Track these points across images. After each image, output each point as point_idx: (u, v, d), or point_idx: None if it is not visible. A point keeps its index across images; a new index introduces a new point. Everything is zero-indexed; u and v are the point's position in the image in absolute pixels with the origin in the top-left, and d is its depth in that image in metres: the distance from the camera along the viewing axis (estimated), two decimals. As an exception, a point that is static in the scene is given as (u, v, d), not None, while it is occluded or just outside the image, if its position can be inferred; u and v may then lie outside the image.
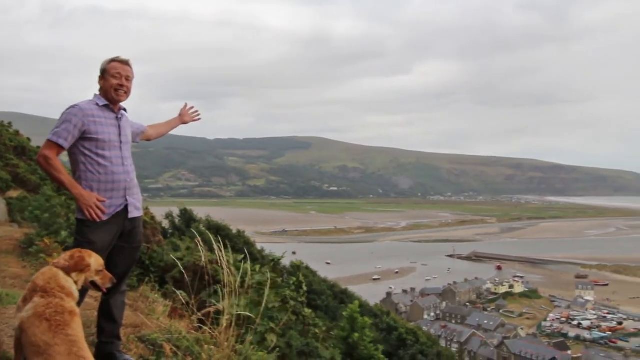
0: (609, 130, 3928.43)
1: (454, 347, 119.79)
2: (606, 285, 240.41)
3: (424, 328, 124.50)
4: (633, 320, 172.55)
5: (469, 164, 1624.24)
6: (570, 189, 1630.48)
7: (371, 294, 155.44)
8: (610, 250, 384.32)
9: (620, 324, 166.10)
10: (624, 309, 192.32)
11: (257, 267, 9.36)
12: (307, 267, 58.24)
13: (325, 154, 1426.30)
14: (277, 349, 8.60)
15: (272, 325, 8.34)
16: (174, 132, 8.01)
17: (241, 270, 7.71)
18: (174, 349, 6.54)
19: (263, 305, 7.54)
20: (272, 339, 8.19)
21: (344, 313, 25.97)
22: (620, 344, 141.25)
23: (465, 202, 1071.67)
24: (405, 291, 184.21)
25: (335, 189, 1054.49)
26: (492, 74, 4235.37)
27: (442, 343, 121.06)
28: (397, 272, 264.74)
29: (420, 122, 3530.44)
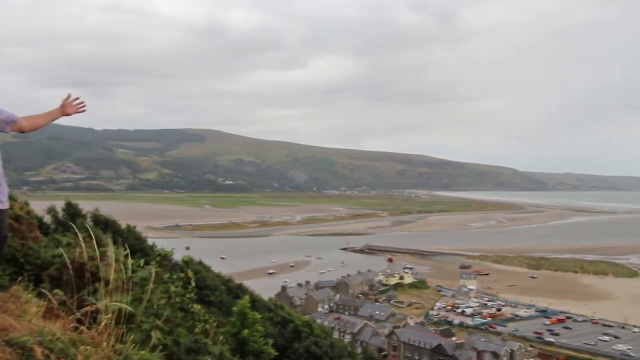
0: (491, 129, 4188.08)
1: (347, 338, 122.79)
2: (487, 274, 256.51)
3: (318, 320, 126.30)
4: (510, 306, 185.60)
5: (362, 159, 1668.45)
6: (457, 184, 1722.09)
7: (266, 288, 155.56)
8: (491, 242, 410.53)
9: (499, 310, 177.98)
10: (503, 296, 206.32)
11: (142, 263, 8.96)
12: (200, 262, 57.17)
13: (221, 147, 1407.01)
14: (164, 346, 8.28)
15: (157, 322, 8.02)
16: (57, 120, 7.34)
17: (125, 267, 7.35)
18: (46, 351, 6.08)
19: (144, 302, 7.21)
20: (157, 336, 7.87)
21: (234, 308, 25.68)
22: (499, 328, 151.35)
23: (359, 196, 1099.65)
24: (300, 284, 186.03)
25: (231, 182, 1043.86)
26: (385, 72, 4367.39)
27: (336, 334, 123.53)
28: (292, 266, 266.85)
29: (316, 117, 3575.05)
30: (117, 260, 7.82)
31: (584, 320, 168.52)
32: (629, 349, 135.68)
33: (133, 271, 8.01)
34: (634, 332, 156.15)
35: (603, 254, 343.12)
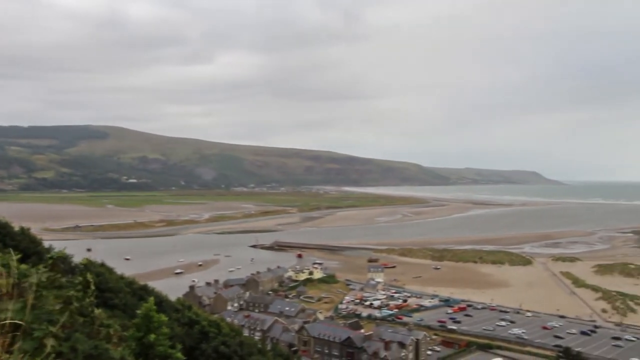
0: (396, 125, 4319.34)
1: (257, 335, 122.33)
2: (394, 267, 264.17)
3: (228, 319, 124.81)
4: (416, 297, 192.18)
5: (271, 155, 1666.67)
6: (364, 180, 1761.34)
7: (174, 288, 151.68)
8: (397, 235, 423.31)
9: (405, 301, 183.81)
10: (409, 287, 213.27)
11: (34, 267, 8.33)
12: (102, 264, 54.79)
13: (124, 144, 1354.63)
14: (59, 354, 7.74)
15: (51, 329, 7.48)
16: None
17: (11, 271, 6.79)
18: None
19: (32, 308, 6.71)
20: (51, 343, 7.34)
21: (139, 311, 24.71)
22: (405, 319, 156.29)
23: (268, 193, 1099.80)
24: (208, 283, 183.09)
25: (135, 181, 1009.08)
26: (292, 68, 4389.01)
27: (246, 332, 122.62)
28: (200, 265, 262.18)
29: (222, 113, 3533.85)
30: (4, 265, 7.23)
31: (483, 308, 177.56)
32: (523, 332, 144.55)
33: (24, 276, 7.44)
34: (528, 316, 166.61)
35: (500, 244, 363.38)
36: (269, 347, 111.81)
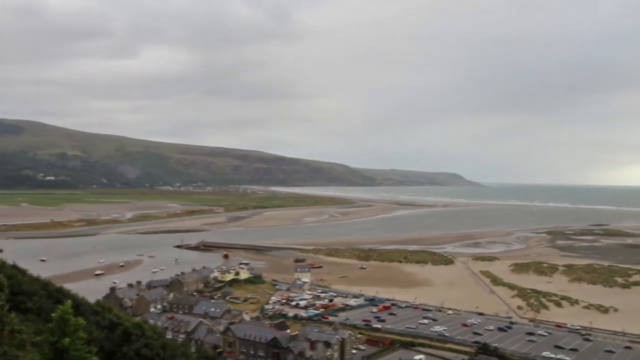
0: (325, 126, 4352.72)
1: (181, 337, 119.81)
2: (320, 267, 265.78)
3: (151, 321, 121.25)
4: (342, 296, 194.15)
5: (198, 154, 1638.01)
6: (292, 180, 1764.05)
7: (93, 291, 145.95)
8: (324, 235, 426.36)
9: (331, 301, 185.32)
10: (335, 287, 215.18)
11: None
12: (14, 266, 51.86)
13: (41, 140, 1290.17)
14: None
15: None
16: None
17: None
18: None
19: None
20: (-48, 353, 6.74)
21: (54, 315, 23.20)
22: (331, 318, 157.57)
23: (194, 192, 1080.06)
24: (130, 285, 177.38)
25: (53, 178, 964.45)
26: (221, 66, 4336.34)
27: (169, 334, 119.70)
28: (122, 266, 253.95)
29: (148, 110, 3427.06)
30: None
31: (407, 306, 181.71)
32: (444, 329, 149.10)
33: None
34: (449, 314, 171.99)
35: (424, 244, 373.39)
36: (193, 349, 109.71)
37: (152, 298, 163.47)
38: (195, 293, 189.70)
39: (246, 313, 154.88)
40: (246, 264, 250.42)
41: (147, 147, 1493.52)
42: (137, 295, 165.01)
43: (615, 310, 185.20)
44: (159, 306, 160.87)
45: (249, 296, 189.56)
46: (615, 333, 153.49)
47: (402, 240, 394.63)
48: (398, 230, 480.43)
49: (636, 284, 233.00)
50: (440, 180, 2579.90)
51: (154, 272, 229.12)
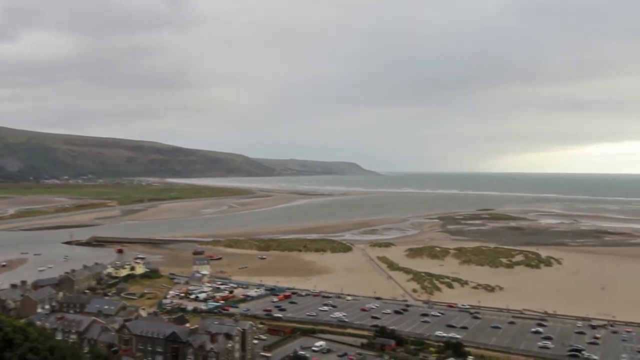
0: (222, 116, 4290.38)
1: (73, 338, 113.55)
2: (220, 258, 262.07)
3: (38, 323, 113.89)
4: (242, 287, 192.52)
5: (87, 145, 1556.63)
6: (189, 171, 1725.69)
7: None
8: (223, 226, 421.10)
9: (231, 292, 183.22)
10: (235, 278, 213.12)
11: None
12: None
13: None
14: None
15: None
16: None
17: None
18: None
19: None
20: None
21: None
22: (231, 310, 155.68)
23: (84, 186, 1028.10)
24: (14, 285, 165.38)
25: None
26: (111, 53, 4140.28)
27: (59, 336, 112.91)
28: (4, 265, 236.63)
29: (30, 98, 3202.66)
30: None
31: (307, 294, 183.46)
32: (344, 315, 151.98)
33: None
34: (348, 300, 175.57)
35: (323, 233, 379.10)
36: (86, 350, 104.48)
37: (39, 298, 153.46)
38: (87, 291, 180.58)
39: (143, 309, 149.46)
40: (142, 258, 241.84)
41: (30, 138, 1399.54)
42: (22, 296, 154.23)
43: (501, 288, 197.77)
44: (47, 306, 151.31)
45: (145, 291, 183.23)
46: (500, 310, 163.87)
47: (302, 230, 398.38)
48: (297, 220, 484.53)
49: (518, 263, 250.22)
50: (338, 170, 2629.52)
51: (41, 270, 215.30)
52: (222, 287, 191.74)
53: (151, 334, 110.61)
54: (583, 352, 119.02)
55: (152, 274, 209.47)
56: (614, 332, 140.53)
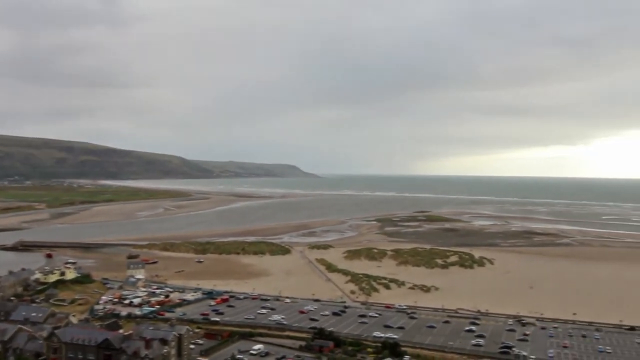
0: (159, 117, 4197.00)
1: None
2: (156, 262, 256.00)
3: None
4: (178, 291, 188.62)
5: (14, 145, 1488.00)
6: (124, 173, 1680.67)
7: None
8: (159, 229, 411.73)
9: (167, 296, 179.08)
10: (171, 282, 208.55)
11: None
12: None
13: None
14: None
15: None
16: None
17: None
18: None
19: None
20: None
21: None
22: (167, 315, 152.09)
23: (11, 187, 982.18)
24: None
25: None
26: (40, 49, 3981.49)
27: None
28: None
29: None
30: None
31: (245, 297, 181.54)
32: (282, 318, 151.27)
33: None
34: (287, 302, 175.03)
35: (261, 235, 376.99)
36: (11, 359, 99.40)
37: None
38: (13, 298, 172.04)
39: (73, 315, 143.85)
40: (73, 263, 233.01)
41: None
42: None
43: (436, 289, 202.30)
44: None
45: (76, 297, 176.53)
46: (436, 310, 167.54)
47: (240, 232, 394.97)
48: (236, 222, 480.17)
49: (453, 264, 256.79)
50: (277, 172, 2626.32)
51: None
52: (158, 291, 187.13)
53: (82, 341, 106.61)
54: (513, 349, 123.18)
55: (83, 279, 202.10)
56: (543, 328, 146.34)
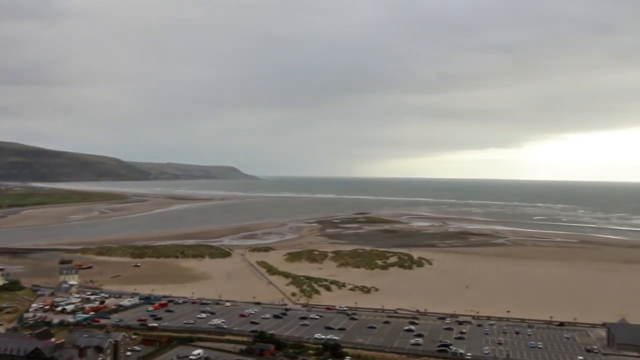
0: (93, 117, 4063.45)
1: None
2: (90, 267, 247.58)
3: None
4: (114, 297, 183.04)
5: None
6: (56, 174, 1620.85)
7: None
8: (94, 233, 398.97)
9: (102, 302, 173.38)
10: (107, 287, 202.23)
11: None
12: None
13: None
14: None
15: None
16: None
17: None
18: None
19: None
20: None
21: None
22: (102, 321, 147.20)
23: None
24: None
25: None
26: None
27: None
28: None
29: None
30: None
31: (184, 302, 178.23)
32: (222, 322, 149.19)
33: None
34: (227, 306, 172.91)
35: (201, 238, 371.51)
36: None
37: None
38: None
39: (0, 324, 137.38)
40: (0, 269, 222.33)
41: None
42: None
43: (376, 289, 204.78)
44: None
45: (4, 305, 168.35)
46: (376, 310, 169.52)
47: (179, 235, 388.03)
48: (174, 225, 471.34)
49: (393, 265, 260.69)
50: (217, 174, 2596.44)
51: None
52: (93, 297, 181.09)
53: (10, 351, 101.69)
54: (451, 347, 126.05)
55: (11, 286, 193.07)
56: (479, 326, 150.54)
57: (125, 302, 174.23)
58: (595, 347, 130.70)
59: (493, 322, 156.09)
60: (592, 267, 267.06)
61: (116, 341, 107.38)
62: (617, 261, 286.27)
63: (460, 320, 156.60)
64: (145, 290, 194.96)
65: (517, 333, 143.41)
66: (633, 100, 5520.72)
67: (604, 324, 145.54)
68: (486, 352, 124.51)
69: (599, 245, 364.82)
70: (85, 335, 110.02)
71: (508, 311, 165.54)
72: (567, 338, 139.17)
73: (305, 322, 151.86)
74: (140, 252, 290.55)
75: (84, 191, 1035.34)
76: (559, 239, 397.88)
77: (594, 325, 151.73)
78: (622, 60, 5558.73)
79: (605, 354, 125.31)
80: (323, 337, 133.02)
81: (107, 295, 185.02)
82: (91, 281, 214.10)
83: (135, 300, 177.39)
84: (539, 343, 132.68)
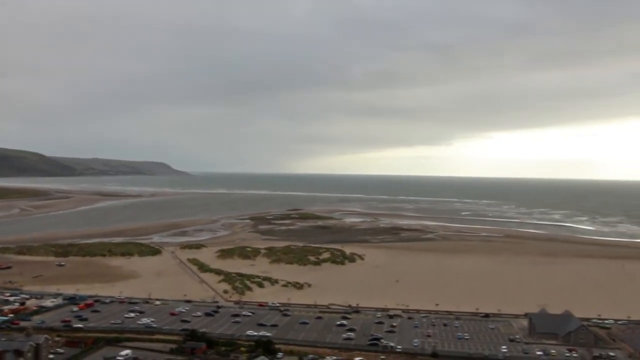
0: (12, 110, 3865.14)
1: None
2: (10, 267, 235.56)
3: None
4: (36, 298, 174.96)
5: None
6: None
7: None
8: (13, 232, 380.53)
9: (23, 304, 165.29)
10: (28, 288, 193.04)
11: None
12: None
13: None
14: None
15: None
16: None
17: None
18: None
19: None
20: None
21: None
22: (23, 324, 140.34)
23: None
24: None
25: None
26: None
27: None
28: None
29: None
30: None
31: (112, 301, 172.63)
32: (152, 321, 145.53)
33: None
34: (156, 305, 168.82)
35: (130, 236, 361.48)
36: None
37: None
38: None
39: None
40: None
41: None
42: None
43: (309, 285, 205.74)
44: None
45: None
46: (309, 306, 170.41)
47: (106, 233, 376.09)
48: (101, 223, 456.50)
49: (325, 261, 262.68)
50: (146, 170, 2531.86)
51: None
52: (12, 298, 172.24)
53: None
54: (382, 340, 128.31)
55: None
56: (410, 319, 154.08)
57: (48, 302, 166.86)
58: (517, 336, 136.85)
59: (423, 315, 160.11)
60: (515, 260, 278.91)
61: (37, 344, 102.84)
62: (538, 254, 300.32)
63: (391, 314, 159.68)
64: (70, 290, 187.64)
65: (445, 325, 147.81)
66: (553, 100, 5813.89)
67: (525, 314, 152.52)
68: (416, 344, 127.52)
69: (522, 239, 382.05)
70: (3, 339, 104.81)
71: (437, 304, 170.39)
72: (492, 329, 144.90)
73: (238, 319, 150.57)
74: (64, 250, 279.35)
75: (2, 187, 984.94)
76: (485, 234, 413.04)
77: (516, 316, 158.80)
78: (540, 61, 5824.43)
79: (527, 343, 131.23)
80: (255, 334, 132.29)
81: (27, 297, 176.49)
82: (10, 282, 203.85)
83: (59, 300, 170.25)
84: (466, 334, 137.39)
